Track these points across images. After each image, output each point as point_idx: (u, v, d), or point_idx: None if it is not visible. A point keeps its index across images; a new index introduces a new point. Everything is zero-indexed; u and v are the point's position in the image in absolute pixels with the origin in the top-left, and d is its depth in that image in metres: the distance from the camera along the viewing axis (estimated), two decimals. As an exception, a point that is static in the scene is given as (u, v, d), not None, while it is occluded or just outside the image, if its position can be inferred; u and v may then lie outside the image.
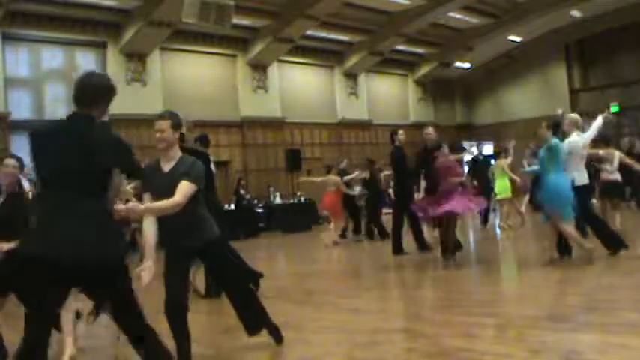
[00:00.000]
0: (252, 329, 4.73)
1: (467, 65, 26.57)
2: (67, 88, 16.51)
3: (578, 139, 7.98)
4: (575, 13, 23.19)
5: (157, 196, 4.16)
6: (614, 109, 23.49)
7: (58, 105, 16.16)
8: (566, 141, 7.93)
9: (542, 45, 25.38)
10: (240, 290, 4.69)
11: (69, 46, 16.51)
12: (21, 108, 15.39)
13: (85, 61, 16.83)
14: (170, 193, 4.04)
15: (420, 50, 25.13)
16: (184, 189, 4.07)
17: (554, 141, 7.66)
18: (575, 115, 8.50)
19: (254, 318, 4.71)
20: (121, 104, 16.82)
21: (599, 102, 24.81)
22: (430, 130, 9.38)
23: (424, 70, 25.88)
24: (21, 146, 15.44)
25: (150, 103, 17.38)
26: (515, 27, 23.58)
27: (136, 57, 17.23)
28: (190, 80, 18.31)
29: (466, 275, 7.82)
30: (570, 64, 26.11)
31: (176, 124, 4.25)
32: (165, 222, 4.26)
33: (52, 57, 16.19)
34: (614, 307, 5.33)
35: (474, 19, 23.15)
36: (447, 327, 5.25)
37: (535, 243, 11.24)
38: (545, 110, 25.39)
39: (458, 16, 22.40)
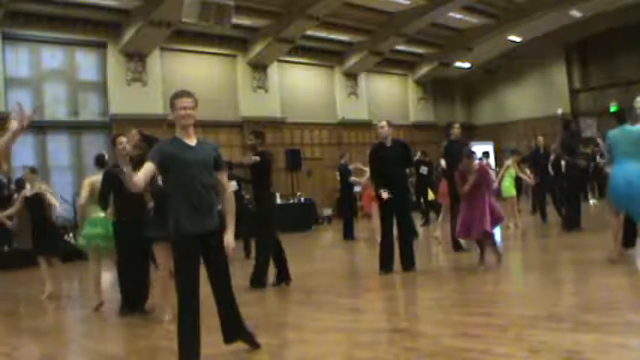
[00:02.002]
0: (229, 337, 4.65)
1: (467, 65, 26.58)
2: (67, 88, 16.53)
3: None
4: (575, 13, 23.20)
5: (183, 167, 4.30)
6: (613, 109, 23.50)
7: (58, 105, 16.17)
8: None
9: (542, 45, 25.39)
10: (228, 293, 4.61)
11: (69, 46, 16.51)
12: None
13: (85, 61, 16.84)
14: (199, 166, 4.35)
15: (420, 50, 25.15)
16: (226, 180, 4.64)
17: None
18: None
19: (234, 326, 4.64)
20: (121, 104, 16.86)
21: (599, 102, 24.87)
22: (383, 123, 8.46)
23: (424, 70, 25.90)
24: (21, 146, 15.46)
25: (150, 103, 17.40)
26: (515, 27, 23.60)
27: (136, 57, 17.23)
28: (190, 80, 18.29)
29: (466, 275, 7.82)
30: (570, 64, 26.13)
31: (196, 102, 4.50)
32: (192, 206, 4.32)
33: (52, 57, 16.19)
34: (613, 307, 5.32)
35: (474, 19, 23.17)
36: (447, 327, 5.25)
37: (535, 243, 11.25)
38: (545, 110, 25.45)
39: (458, 16, 22.41)
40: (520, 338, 4.61)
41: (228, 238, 4.44)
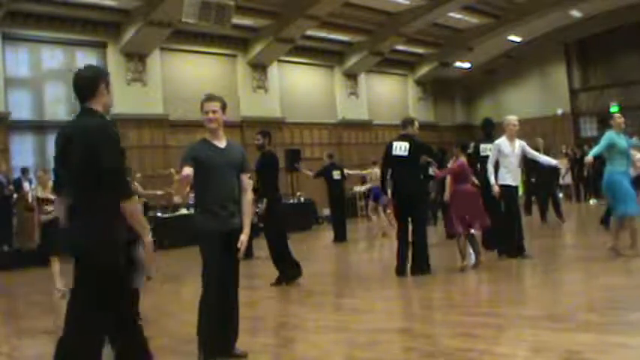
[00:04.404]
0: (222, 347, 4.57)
1: (467, 65, 26.57)
2: (67, 88, 16.47)
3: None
4: (575, 13, 23.20)
5: (212, 168, 4.40)
6: (614, 109, 23.51)
7: (58, 105, 16.15)
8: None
9: (542, 45, 25.38)
10: (234, 298, 4.64)
11: (69, 46, 16.50)
12: (21, 108, 15.38)
13: (85, 61, 16.52)
14: (227, 167, 4.48)
15: (420, 50, 25.14)
16: (248, 182, 4.68)
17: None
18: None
19: (230, 336, 4.60)
20: (121, 104, 16.83)
21: (599, 102, 24.88)
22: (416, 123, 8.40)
23: (424, 70, 25.89)
24: (21, 146, 15.47)
25: (150, 103, 17.39)
26: (515, 27, 23.59)
27: (136, 57, 17.22)
28: (190, 80, 18.30)
29: (466, 275, 7.82)
30: (570, 64, 26.13)
31: (224, 105, 4.61)
32: (219, 205, 4.44)
33: (52, 57, 16.18)
34: (613, 307, 5.33)
35: (474, 19, 23.17)
36: (447, 327, 5.25)
37: (536, 243, 11.24)
38: (545, 110, 25.47)
39: (458, 16, 22.41)
40: (520, 338, 4.62)
41: (242, 238, 4.51)
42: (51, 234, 8.50)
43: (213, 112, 4.53)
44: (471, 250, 8.33)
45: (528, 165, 14.43)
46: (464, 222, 7.95)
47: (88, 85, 3.54)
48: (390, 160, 8.14)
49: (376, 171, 14.48)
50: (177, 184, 4.01)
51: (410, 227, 8.05)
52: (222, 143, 4.58)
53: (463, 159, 8.24)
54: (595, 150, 8.04)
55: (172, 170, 4.19)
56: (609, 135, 7.88)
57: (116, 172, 3.35)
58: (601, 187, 8.84)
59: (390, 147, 8.12)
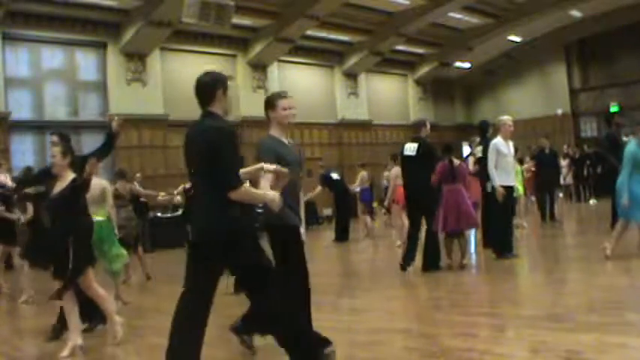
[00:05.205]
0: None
1: (467, 65, 26.58)
2: (67, 88, 16.53)
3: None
4: (575, 13, 23.21)
5: (289, 164, 4.34)
6: (613, 109, 23.55)
7: (57, 105, 16.16)
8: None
9: (542, 45, 25.39)
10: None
11: (69, 46, 16.51)
12: (21, 108, 15.38)
13: (85, 61, 16.83)
14: (297, 164, 4.54)
15: (420, 50, 25.14)
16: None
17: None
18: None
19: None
20: (121, 104, 16.84)
21: (598, 102, 24.88)
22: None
23: (424, 70, 25.89)
24: (21, 146, 15.47)
25: (150, 103, 17.39)
26: (515, 27, 23.59)
27: (136, 57, 17.22)
28: (190, 80, 17.74)
29: (466, 275, 7.83)
30: (570, 64, 26.12)
31: None
32: (295, 201, 4.55)
33: (52, 57, 16.19)
34: (613, 307, 5.33)
35: (474, 19, 23.17)
36: (447, 327, 5.26)
37: (536, 243, 11.26)
38: (545, 110, 25.47)
39: (458, 16, 22.41)
40: (520, 338, 4.63)
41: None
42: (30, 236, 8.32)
43: (293, 107, 4.54)
44: (471, 249, 8.38)
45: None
46: (448, 221, 8.04)
47: (207, 90, 3.86)
48: (402, 161, 8.57)
49: (364, 174, 14.59)
50: (275, 178, 3.99)
51: (420, 226, 8.32)
52: (286, 139, 4.61)
53: (446, 161, 8.33)
54: (624, 174, 7.47)
55: (263, 165, 4.11)
56: (631, 151, 7.47)
57: (229, 170, 3.70)
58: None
59: (402, 148, 8.52)
